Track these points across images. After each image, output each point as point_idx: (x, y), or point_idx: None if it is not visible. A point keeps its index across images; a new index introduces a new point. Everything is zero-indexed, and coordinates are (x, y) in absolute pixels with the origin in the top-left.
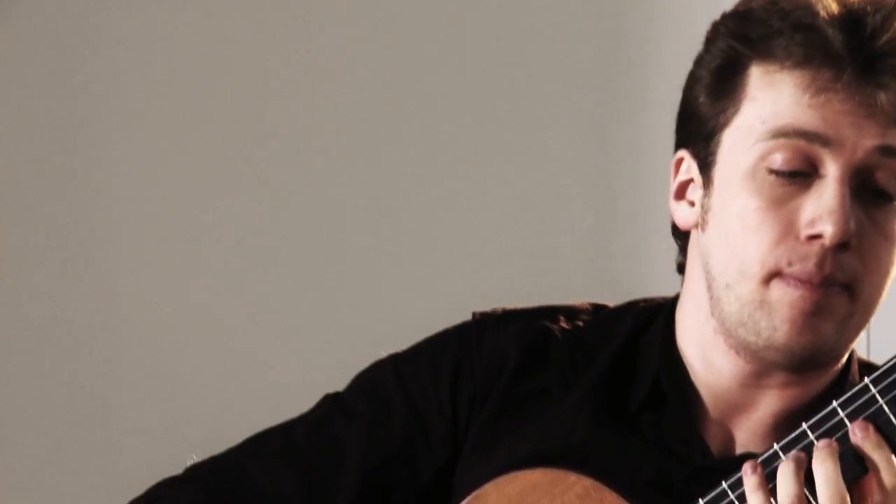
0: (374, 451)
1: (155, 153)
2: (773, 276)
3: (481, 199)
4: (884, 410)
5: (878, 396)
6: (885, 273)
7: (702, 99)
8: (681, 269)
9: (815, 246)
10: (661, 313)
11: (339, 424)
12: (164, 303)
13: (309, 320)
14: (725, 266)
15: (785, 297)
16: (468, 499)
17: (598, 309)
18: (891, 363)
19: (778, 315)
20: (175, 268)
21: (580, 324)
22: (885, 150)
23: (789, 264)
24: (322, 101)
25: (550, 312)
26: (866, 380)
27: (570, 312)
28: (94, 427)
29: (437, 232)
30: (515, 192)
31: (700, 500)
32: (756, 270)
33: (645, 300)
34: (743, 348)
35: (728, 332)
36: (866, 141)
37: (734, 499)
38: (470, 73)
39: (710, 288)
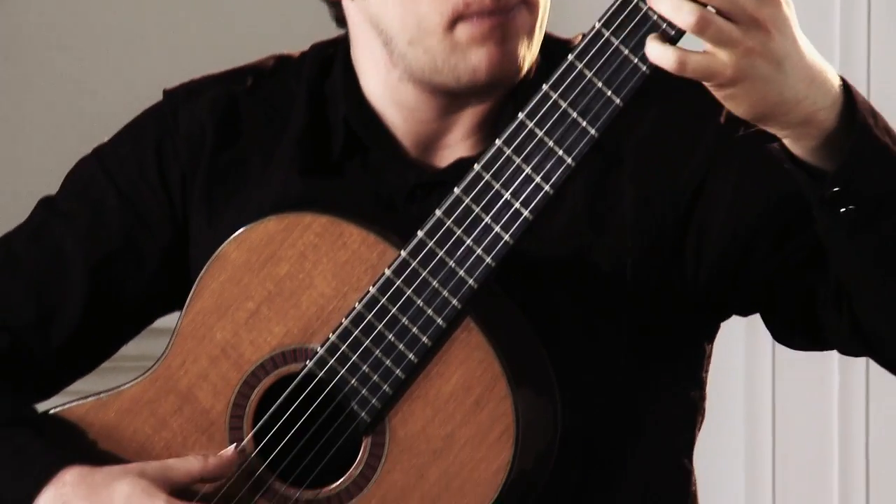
0: (95, 250)
1: None
2: (454, 21)
3: None
4: (593, 82)
5: (584, 71)
6: None
7: None
8: (339, 21)
9: None
10: (336, 56)
11: (56, 229)
12: None
13: None
14: (402, 25)
15: (474, 35)
16: (209, 262)
17: (282, 61)
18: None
19: (473, 55)
20: None
21: (267, 81)
22: None
23: (467, 6)
24: None
25: (237, 75)
26: (570, 57)
27: (256, 71)
28: None
29: None
30: None
31: (437, 211)
32: (436, 21)
33: (319, 43)
34: (439, 91)
35: (420, 80)
36: None
37: (469, 202)
38: None
39: (388, 45)
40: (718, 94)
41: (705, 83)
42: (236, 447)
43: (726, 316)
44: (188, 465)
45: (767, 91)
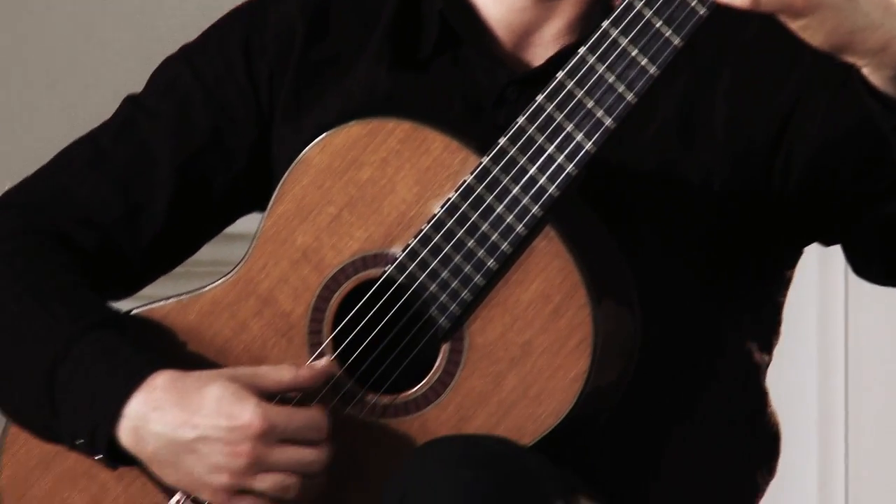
0: (182, 146)
1: None
2: None
3: None
4: None
5: None
6: None
7: None
8: None
9: None
10: None
11: (143, 126)
12: None
13: None
14: None
15: None
16: (292, 166)
17: None
18: None
19: None
20: None
21: None
22: None
23: None
24: None
25: None
26: None
27: None
28: None
29: None
30: None
31: (520, 118)
32: None
33: None
34: None
35: None
36: None
37: (552, 109)
38: None
39: None
40: (794, 26)
41: (780, 16)
42: (329, 359)
43: (808, 242)
44: (280, 373)
45: (841, 19)
